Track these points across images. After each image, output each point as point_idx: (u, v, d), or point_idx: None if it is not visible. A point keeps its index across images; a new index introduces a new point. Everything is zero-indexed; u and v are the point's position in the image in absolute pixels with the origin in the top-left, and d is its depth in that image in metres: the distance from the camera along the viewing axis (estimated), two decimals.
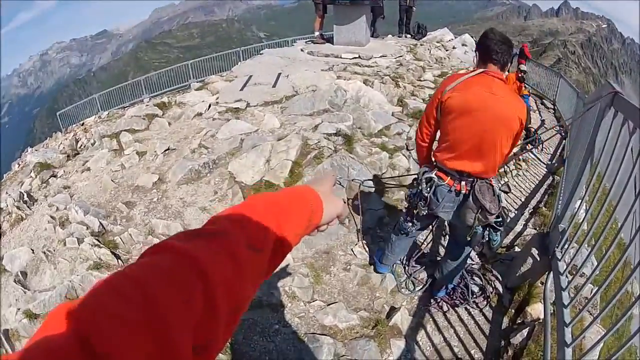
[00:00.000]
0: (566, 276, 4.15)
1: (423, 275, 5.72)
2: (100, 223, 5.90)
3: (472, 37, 26.80)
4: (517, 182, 9.88)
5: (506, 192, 8.38)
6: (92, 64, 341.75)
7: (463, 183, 4.17)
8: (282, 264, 5.46)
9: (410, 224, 4.83)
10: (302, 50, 15.01)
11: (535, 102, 23.08)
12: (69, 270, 5.20)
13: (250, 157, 7.16)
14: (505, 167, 10.10)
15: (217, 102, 10.02)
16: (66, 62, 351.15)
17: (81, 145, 10.49)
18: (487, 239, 4.55)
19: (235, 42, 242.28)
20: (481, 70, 4.20)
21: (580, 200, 4.66)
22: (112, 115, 14.36)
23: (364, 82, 10.84)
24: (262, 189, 6.68)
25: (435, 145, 4.59)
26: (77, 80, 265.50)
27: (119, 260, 5.24)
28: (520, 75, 16.05)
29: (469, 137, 4.08)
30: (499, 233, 4.49)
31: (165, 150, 7.94)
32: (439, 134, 4.40)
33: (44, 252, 5.63)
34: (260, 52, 15.87)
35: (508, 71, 15.20)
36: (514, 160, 10.80)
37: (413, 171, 7.77)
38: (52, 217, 6.30)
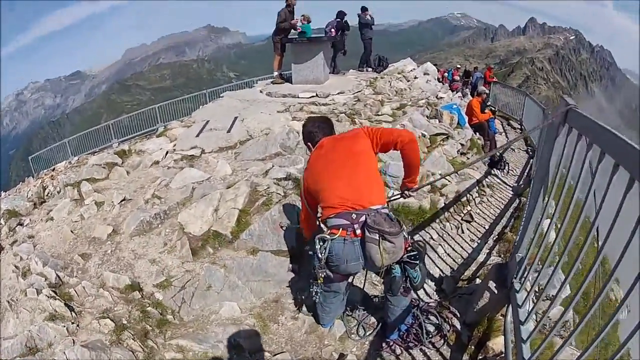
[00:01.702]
0: (530, 303, 4.07)
1: (373, 319, 5.58)
2: (57, 275, 5.89)
3: (434, 64, 27.15)
4: (480, 210, 9.78)
5: (468, 222, 8.51)
6: (65, 105, 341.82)
7: (355, 226, 4.07)
8: (229, 315, 5.57)
9: (323, 291, 4.83)
10: (261, 91, 15.14)
11: (502, 124, 23.16)
12: (29, 320, 5.15)
13: (200, 207, 7.18)
14: (467, 195, 10.05)
15: (174, 150, 10.14)
16: (41, 102, 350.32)
17: (48, 193, 10.41)
18: (408, 277, 4.52)
19: (206, 82, 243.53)
20: (317, 147, 4.66)
21: (537, 225, 4.46)
22: (81, 162, 14.41)
23: None
24: (210, 240, 6.67)
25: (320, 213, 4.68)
26: (51, 122, 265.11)
27: (73, 313, 5.19)
28: (483, 99, 16.41)
29: (335, 178, 4.27)
30: (417, 268, 4.46)
31: (122, 201, 7.93)
32: (319, 202, 4.52)
33: (8, 302, 5.64)
34: (221, 95, 15.97)
35: (472, 95, 15.44)
36: (476, 188, 10.72)
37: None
38: (16, 266, 6.29)
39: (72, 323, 4.78)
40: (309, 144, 4.86)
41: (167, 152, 10.05)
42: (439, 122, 13.38)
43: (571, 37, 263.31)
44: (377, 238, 3.91)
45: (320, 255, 4.19)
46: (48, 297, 5.30)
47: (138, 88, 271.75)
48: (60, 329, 4.65)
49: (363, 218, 4.04)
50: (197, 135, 10.75)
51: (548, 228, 4.06)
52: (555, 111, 4.24)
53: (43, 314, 5.01)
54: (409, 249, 4.31)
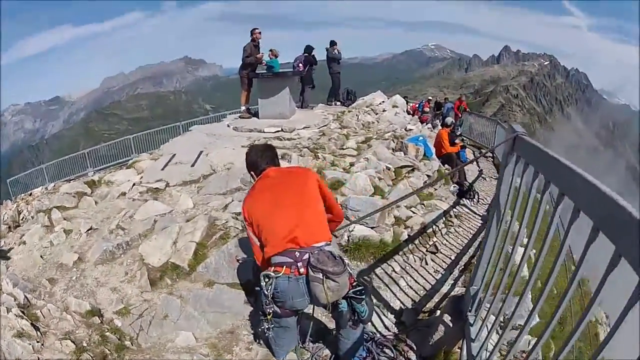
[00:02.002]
0: (483, 336, 3.99)
1: (327, 352, 5.43)
2: (26, 296, 6.07)
3: (405, 97, 27.47)
4: (447, 240, 9.51)
5: (433, 253, 8.57)
6: (44, 130, 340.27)
7: (299, 264, 4.11)
8: (184, 344, 5.73)
9: (274, 327, 4.70)
10: (228, 125, 15.40)
11: (474, 153, 23.04)
12: None
13: (159, 240, 7.39)
14: (433, 226, 9.77)
15: (140, 182, 10.39)
16: (21, 126, 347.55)
17: (23, 217, 10.61)
18: (355, 312, 4.46)
19: (182, 114, 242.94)
20: (261, 177, 4.70)
21: (490, 257, 4.48)
22: (56, 188, 14.56)
23: (282, 156, 10.92)
24: (168, 271, 6.88)
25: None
26: (30, 147, 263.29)
27: (38, 332, 5.38)
28: (451, 130, 16.55)
29: (280, 213, 4.29)
30: (363, 303, 4.39)
31: (88, 230, 8.18)
32: (262, 237, 4.45)
33: None
34: (190, 128, 16.19)
35: (442, 126, 15.55)
36: (443, 219, 10.38)
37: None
38: None
39: (38, 342, 5.00)
40: (252, 172, 4.86)
41: (133, 184, 10.31)
42: (405, 154, 13.42)
43: (545, 63, 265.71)
44: (321, 277, 3.99)
45: (266, 292, 4.22)
46: (16, 316, 5.55)
47: (116, 117, 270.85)
48: (27, 347, 4.88)
49: (307, 256, 4.09)
50: (163, 169, 10.98)
51: (498, 260, 4.12)
52: (506, 137, 4.29)
53: (12, 331, 5.27)
54: (354, 284, 4.34)
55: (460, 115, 28.24)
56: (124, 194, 9.90)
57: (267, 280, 4.20)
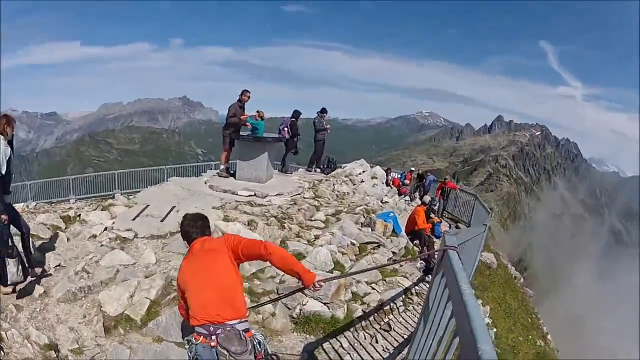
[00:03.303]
0: None
1: None
2: None
3: (386, 169, 27.61)
4: (403, 318, 9.53)
5: (387, 331, 8.70)
6: (37, 143, 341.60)
7: (213, 337, 4.41)
8: None
9: None
10: (205, 182, 15.52)
11: (450, 227, 23.49)
12: None
13: (118, 290, 7.67)
14: (391, 303, 9.88)
15: (112, 227, 10.54)
16: (15, 133, 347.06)
17: None
18: None
19: (172, 154, 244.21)
20: (190, 247, 4.98)
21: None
22: (37, 209, 14.70)
23: (248, 223, 11.31)
24: (122, 322, 7.19)
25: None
26: (21, 156, 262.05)
27: (2, 352, 5.75)
28: (427, 208, 16.45)
29: (196, 291, 4.60)
30: None
31: (57, 266, 8.44)
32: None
33: None
34: (168, 179, 16.34)
35: (422, 201, 15.67)
36: (402, 297, 10.48)
37: (278, 316, 8.10)
38: None
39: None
40: (186, 242, 5.13)
41: (105, 228, 10.46)
42: (372, 230, 13.51)
43: (537, 133, 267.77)
44: (226, 353, 4.37)
45: (190, 355, 4.57)
46: None
47: (107, 145, 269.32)
48: None
49: (219, 331, 4.41)
50: (134, 219, 11.12)
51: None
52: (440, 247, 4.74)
53: None
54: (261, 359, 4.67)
55: (443, 199, 27.31)
56: (94, 236, 10.09)
57: (189, 344, 4.56)
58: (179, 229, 5.31)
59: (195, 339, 4.49)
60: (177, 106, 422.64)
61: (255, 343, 4.60)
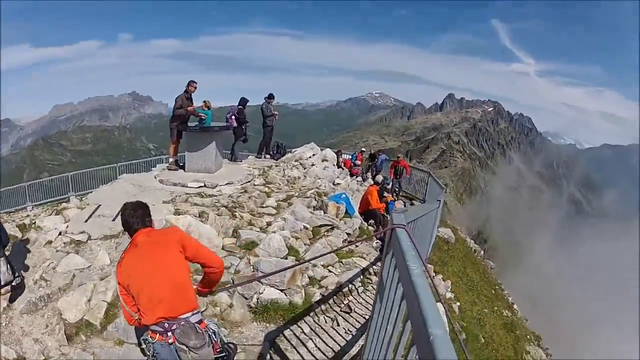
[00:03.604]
0: None
1: None
2: None
3: (336, 151, 27.46)
4: (363, 299, 9.55)
5: (347, 313, 8.68)
6: None
7: (169, 333, 4.36)
8: None
9: None
10: (155, 177, 15.23)
11: (405, 205, 23.18)
12: None
13: (75, 296, 7.53)
14: (350, 285, 9.85)
15: (66, 232, 10.26)
16: None
17: None
18: None
19: (125, 151, 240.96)
20: (132, 239, 4.83)
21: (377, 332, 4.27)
22: None
23: (200, 215, 11.18)
24: (83, 328, 7.09)
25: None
26: None
27: None
28: (380, 187, 16.75)
29: (145, 286, 4.44)
30: None
31: (17, 277, 7.98)
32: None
33: None
34: (119, 177, 15.87)
35: (374, 181, 15.64)
36: (360, 277, 10.41)
37: (236, 307, 8.07)
38: None
39: None
40: (127, 232, 4.96)
41: (60, 233, 10.21)
42: (324, 213, 13.50)
43: (489, 109, 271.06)
44: (185, 348, 4.34)
45: (148, 353, 4.54)
46: None
47: (60, 148, 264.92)
48: None
49: (174, 326, 4.38)
50: (86, 220, 10.86)
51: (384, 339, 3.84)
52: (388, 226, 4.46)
53: None
54: (219, 349, 4.69)
55: (397, 178, 26.83)
56: (50, 242, 9.84)
57: (146, 343, 4.51)
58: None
59: (151, 337, 4.44)
60: (127, 102, 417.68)
61: (210, 333, 4.59)
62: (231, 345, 5.33)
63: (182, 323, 4.41)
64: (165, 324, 4.39)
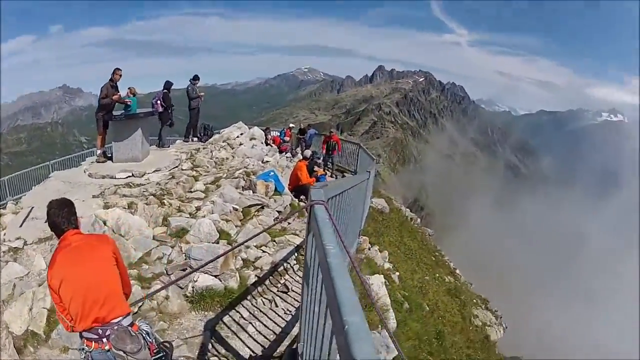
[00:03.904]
0: None
1: None
2: None
3: (264, 129, 27.49)
4: (300, 277, 9.20)
5: (285, 292, 8.76)
6: None
7: (104, 340, 4.29)
8: None
9: None
10: (85, 171, 14.92)
11: (337, 178, 23.50)
12: None
13: (18, 306, 7.20)
14: (285, 264, 9.82)
15: (3, 240, 9.79)
16: None
17: None
18: None
19: (58, 147, 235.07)
20: (60, 240, 4.61)
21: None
22: None
23: (129, 206, 10.97)
24: (29, 339, 6.81)
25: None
26: None
27: None
28: (310, 162, 16.82)
29: (78, 291, 4.29)
30: None
31: None
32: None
33: None
34: (50, 175, 15.57)
35: (302, 156, 15.68)
36: (295, 255, 10.41)
37: (172, 299, 7.89)
38: None
39: None
40: (54, 233, 4.76)
41: None
42: (253, 192, 13.56)
43: (420, 79, 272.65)
44: (123, 354, 4.29)
45: None
46: None
47: None
48: None
49: (108, 332, 4.30)
50: (21, 225, 10.56)
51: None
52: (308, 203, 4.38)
53: None
54: (155, 350, 4.70)
55: (330, 153, 26.17)
56: None
57: (84, 352, 4.40)
58: None
59: (87, 346, 4.36)
60: (58, 96, 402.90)
61: (144, 335, 4.58)
62: (167, 345, 5.39)
63: (116, 328, 4.36)
64: (99, 329, 4.33)
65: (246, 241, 7.86)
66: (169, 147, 19.99)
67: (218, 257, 7.35)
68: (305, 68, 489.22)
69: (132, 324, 4.52)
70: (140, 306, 7.45)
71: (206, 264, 7.11)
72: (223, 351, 6.57)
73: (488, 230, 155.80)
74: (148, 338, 4.64)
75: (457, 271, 27.86)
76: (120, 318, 4.44)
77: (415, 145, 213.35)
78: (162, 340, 5.03)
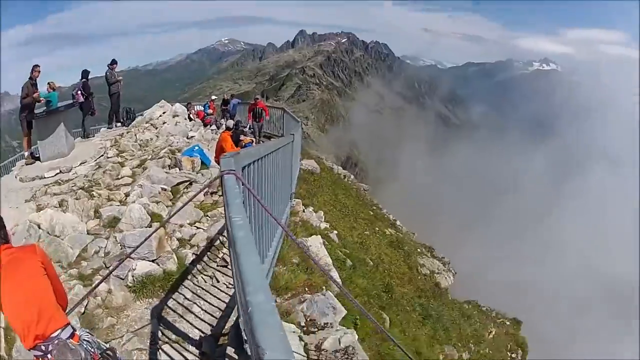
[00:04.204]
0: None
1: None
2: None
3: (186, 104, 27.20)
4: None
5: (224, 266, 8.87)
6: None
7: (49, 355, 4.23)
8: None
9: None
10: (16, 176, 14.73)
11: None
12: None
13: None
14: (220, 237, 9.85)
15: None
16: None
17: None
18: None
19: None
20: None
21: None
22: None
23: (60, 204, 10.84)
24: None
25: None
26: None
27: None
28: (236, 128, 16.52)
29: (17, 311, 4.21)
30: None
31: None
32: None
33: None
34: None
35: (225, 127, 15.61)
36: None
37: (115, 292, 7.70)
38: None
39: None
40: None
41: None
42: (180, 169, 13.73)
43: (343, 40, 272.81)
44: None
45: None
46: None
47: None
48: None
49: (50, 347, 4.20)
50: None
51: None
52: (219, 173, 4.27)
53: None
54: (99, 359, 4.62)
55: (257, 121, 25.34)
56: None
57: None
58: None
59: None
60: None
61: (85, 346, 4.49)
62: (110, 353, 5.07)
63: (56, 342, 4.23)
64: (42, 346, 4.21)
65: (171, 217, 8.45)
66: (93, 137, 19.69)
67: (145, 239, 6.63)
68: (226, 40, 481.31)
69: (73, 335, 4.43)
70: (86, 305, 7.20)
71: (134, 250, 6.65)
72: (173, 336, 6.52)
73: (423, 179, 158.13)
74: (90, 348, 4.56)
75: (398, 223, 28.38)
76: (59, 331, 4.32)
77: (343, 105, 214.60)
78: (105, 348, 4.86)
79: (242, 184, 4.17)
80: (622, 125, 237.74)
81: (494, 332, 24.21)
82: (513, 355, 25.04)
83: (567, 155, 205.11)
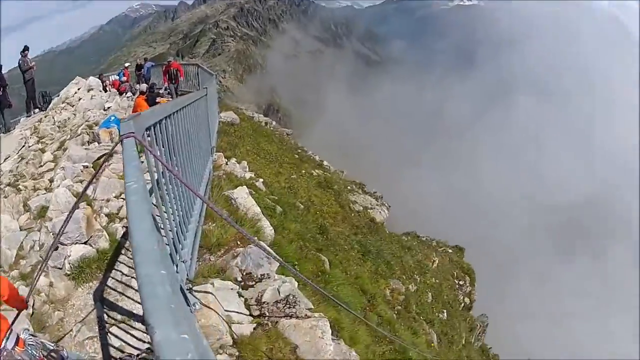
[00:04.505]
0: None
1: None
2: None
3: (98, 75, 27.45)
4: None
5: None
6: None
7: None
8: None
9: None
10: None
11: None
12: None
13: None
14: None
15: None
16: None
17: None
18: None
19: None
20: None
21: None
22: None
23: None
24: None
25: None
26: None
27: None
28: (151, 91, 17.21)
29: None
30: None
31: None
32: None
33: None
34: None
35: (139, 91, 15.53)
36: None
37: (56, 283, 7.28)
38: None
39: None
40: None
41: None
42: (99, 144, 13.55)
43: None
44: None
45: None
46: None
47: None
48: None
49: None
50: None
51: None
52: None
53: None
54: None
55: (173, 82, 25.47)
56: None
57: None
58: None
59: None
60: None
61: (30, 351, 4.42)
62: (54, 355, 4.90)
63: (4, 354, 4.22)
64: None
65: (84, 191, 7.75)
66: (14, 129, 19.43)
67: (64, 225, 5.69)
68: (137, 5, 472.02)
69: (17, 341, 4.36)
70: (33, 305, 6.79)
71: (58, 237, 5.84)
72: (119, 316, 6.34)
73: (348, 118, 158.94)
74: (35, 352, 4.47)
75: (325, 163, 28.58)
76: (4, 341, 4.25)
77: (259, 53, 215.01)
78: (50, 348, 4.74)
79: (145, 147, 4.12)
80: (546, 57, 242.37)
81: (437, 261, 24.95)
82: (461, 282, 25.83)
83: (490, 87, 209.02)
